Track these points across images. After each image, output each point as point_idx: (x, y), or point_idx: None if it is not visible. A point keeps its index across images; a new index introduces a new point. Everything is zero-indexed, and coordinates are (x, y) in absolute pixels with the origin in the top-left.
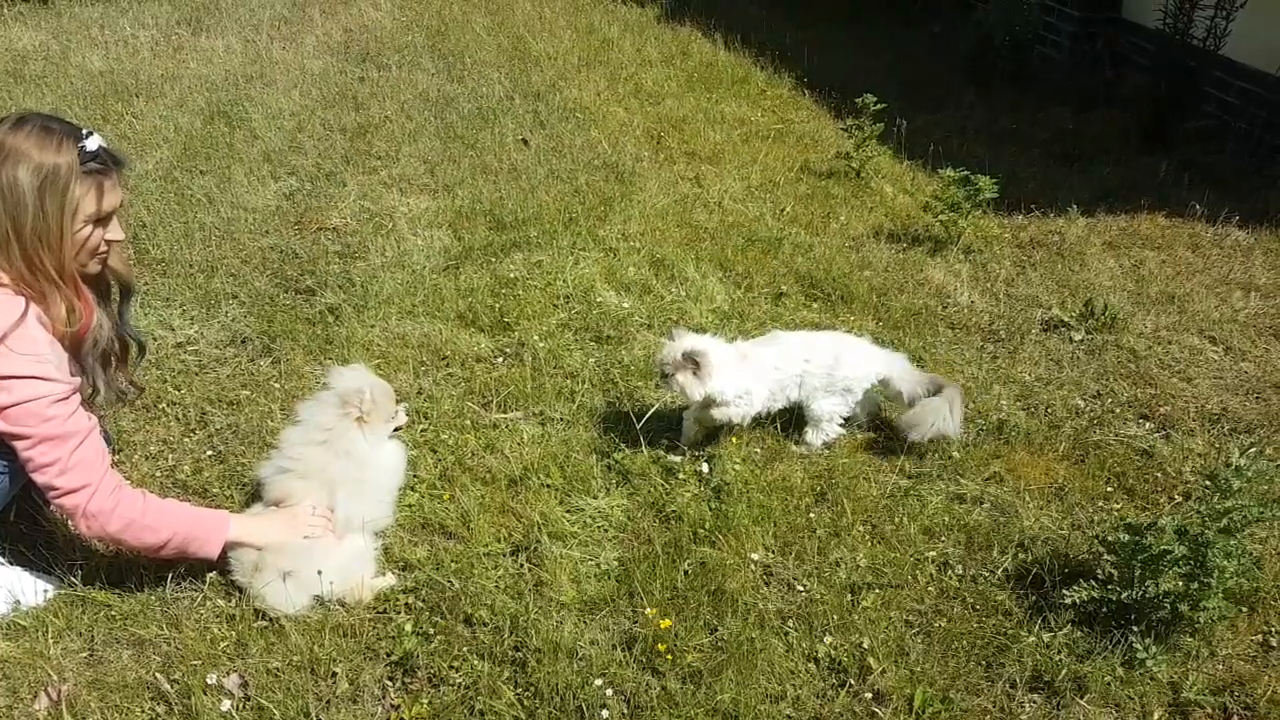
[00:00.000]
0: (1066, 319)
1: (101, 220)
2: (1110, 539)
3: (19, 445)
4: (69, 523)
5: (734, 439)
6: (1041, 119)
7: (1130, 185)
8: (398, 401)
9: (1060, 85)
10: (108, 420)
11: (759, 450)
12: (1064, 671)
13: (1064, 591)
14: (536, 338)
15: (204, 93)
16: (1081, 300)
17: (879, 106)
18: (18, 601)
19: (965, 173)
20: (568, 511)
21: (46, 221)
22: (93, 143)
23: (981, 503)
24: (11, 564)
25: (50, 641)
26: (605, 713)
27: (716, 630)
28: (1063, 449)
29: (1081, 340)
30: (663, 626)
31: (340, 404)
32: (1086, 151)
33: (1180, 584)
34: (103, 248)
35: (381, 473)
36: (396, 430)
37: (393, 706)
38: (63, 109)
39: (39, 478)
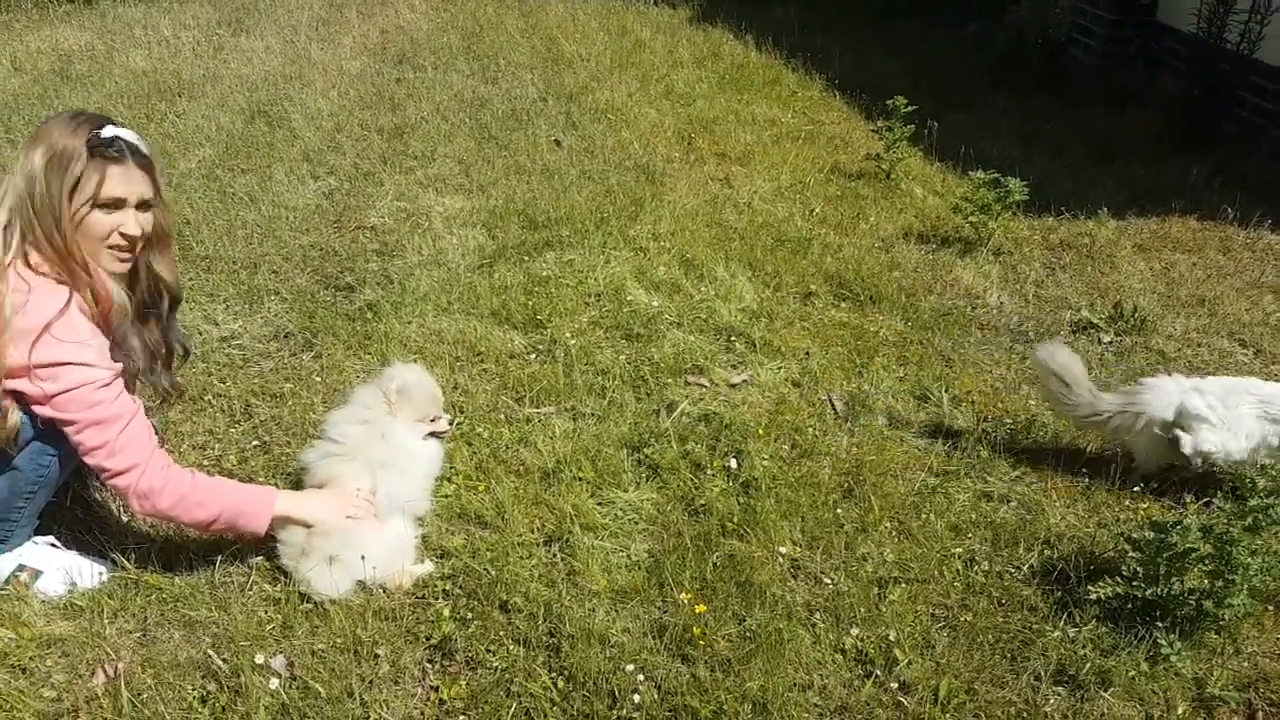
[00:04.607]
0: (1096, 321)
1: (107, 206)
2: (1136, 536)
3: (69, 430)
4: (122, 503)
5: (760, 432)
6: (1074, 121)
7: (1162, 188)
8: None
9: (1093, 87)
10: (154, 415)
11: (786, 447)
12: (1088, 665)
13: (1089, 587)
14: (568, 335)
15: (244, 93)
16: (1111, 302)
17: (910, 108)
18: (74, 584)
19: (995, 175)
20: (599, 504)
21: (50, 199)
22: (108, 131)
23: (1008, 501)
24: (68, 548)
25: (106, 622)
26: (636, 697)
27: (745, 620)
28: (1090, 448)
29: (1110, 342)
30: (698, 611)
31: (379, 391)
32: (1119, 154)
33: (1205, 581)
34: (114, 239)
35: (412, 458)
36: (434, 435)
37: (432, 688)
38: (108, 108)
39: (90, 460)
